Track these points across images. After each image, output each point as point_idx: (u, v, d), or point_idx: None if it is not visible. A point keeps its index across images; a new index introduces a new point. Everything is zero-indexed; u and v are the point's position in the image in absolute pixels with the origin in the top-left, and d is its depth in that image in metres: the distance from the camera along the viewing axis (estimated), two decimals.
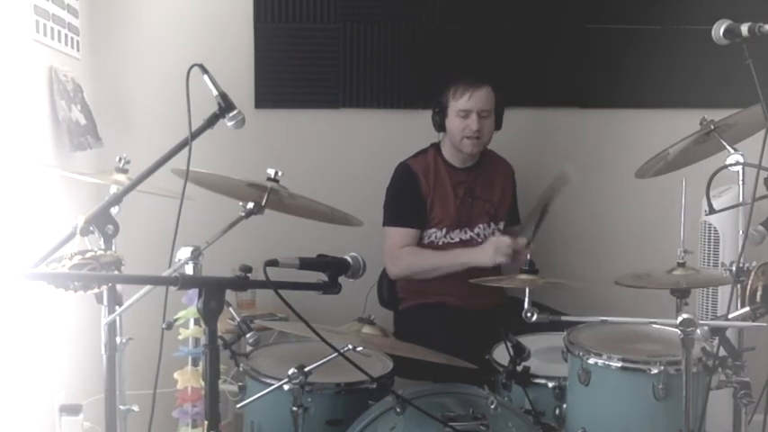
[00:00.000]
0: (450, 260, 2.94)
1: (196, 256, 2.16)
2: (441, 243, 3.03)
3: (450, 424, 1.90)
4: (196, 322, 2.35)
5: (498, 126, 3.04)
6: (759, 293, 1.88)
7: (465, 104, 2.93)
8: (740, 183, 2.22)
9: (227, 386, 2.38)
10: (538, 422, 2.30)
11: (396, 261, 3.01)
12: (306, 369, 2.08)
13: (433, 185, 3.02)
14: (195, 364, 2.39)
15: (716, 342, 2.02)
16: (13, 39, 2.35)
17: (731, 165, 2.19)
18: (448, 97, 2.97)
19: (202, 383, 2.16)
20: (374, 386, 2.20)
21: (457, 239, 3.04)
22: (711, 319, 2.80)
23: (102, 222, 1.93)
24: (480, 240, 3.05)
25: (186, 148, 1.93)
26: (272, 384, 2.15)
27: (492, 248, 2.87)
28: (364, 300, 3.01)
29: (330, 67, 3.38)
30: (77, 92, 2.84)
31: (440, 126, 3.03)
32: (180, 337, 2.36)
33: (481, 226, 3.07)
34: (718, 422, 2.47)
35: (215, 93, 1.97)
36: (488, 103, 2.96)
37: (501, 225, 3.12)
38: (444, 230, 3.03)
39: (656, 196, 3.26)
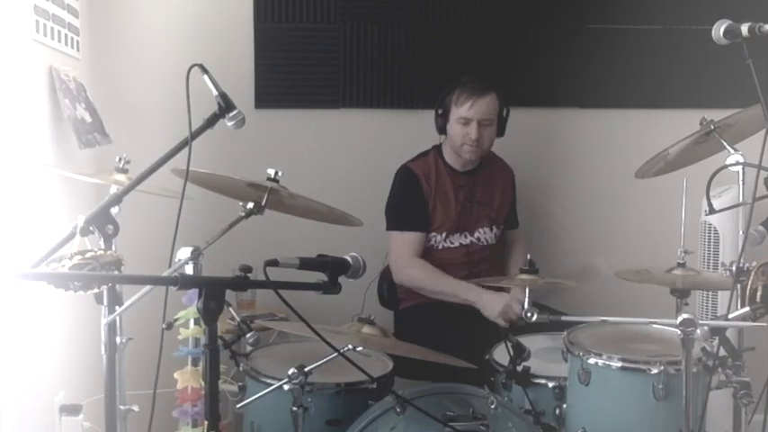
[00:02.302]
0: (457, 291, 2.88)
1: (196, 256, 2.16)
2: (440, 247, 3.02)
3: (450, 424, 1.90)
4: (196, 322, 2.35)
5: (501, 133, 3.02)
6: (759, 293, 1.88)
7: (466, 113, 2.90)
8: (740, 183, 2.22)
9: (227, 386, 2.38)
10: (538, 422, 2.30)
11: (402, 269, 2.99)
12: (306, 369, 2.08)
13: (435, 188, 3.00)
14: (195, 364, 2.38)
15: (716, 342, 2.02)
16: (13, 39, 2.35)
17: (731, 165, 2.20)
18: (451, 102, 2.94)
19: (202, 383, 2.16)
20: (374, 386, 2.20)
21: (457, 243, 3.04)
22: (711, 319, 2.79)
23: (102, 222, 1.92)
24: (481, 244, 3.05)
25: (186, 148, 1.93)
26: (272, 384, 2.15)
27: (501, 310, 2.76)
28: (363, 298, 3.01)
29: (330, 67, 3.37)
30: (81, 90, 2.84)
31: (441, 129, 3.01)
32: (180, 337, 2.36)
33: (482, 230, 3.06)
34: (718, 422, 2.47)
35: (215, 93, 1.97)
36: (491, 111, 2.93)
37: (501, 228, 3.12)
38: (444, 234, 3.02)
39: (656, 196, 3.26)
